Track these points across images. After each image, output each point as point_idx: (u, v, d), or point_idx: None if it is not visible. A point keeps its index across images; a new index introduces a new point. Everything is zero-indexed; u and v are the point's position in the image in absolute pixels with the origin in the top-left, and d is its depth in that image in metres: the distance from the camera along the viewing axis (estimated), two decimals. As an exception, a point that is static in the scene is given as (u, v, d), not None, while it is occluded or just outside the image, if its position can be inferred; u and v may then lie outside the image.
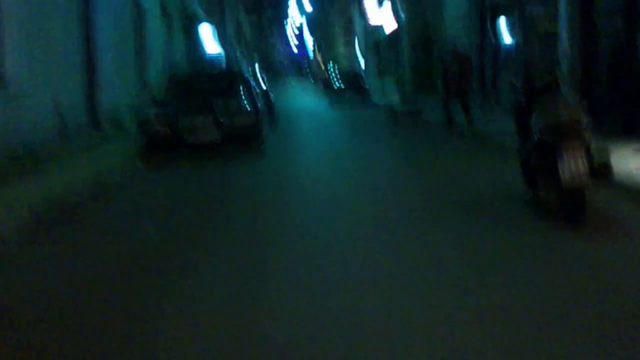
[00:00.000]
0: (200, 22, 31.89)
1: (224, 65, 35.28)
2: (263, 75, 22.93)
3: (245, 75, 15.71)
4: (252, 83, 16.02)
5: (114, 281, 5.50)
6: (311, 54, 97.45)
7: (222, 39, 40.65)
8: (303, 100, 42.16)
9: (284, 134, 17.71)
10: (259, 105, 14.04)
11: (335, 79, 34.68)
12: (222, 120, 12.50)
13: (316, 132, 18.71)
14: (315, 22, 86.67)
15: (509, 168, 9.90)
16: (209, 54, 34.13)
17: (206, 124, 12.46)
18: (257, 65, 29.05)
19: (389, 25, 36.49)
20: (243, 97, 13.74)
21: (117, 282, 5.48)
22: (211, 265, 5.81)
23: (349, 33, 58.27)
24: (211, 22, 34.57)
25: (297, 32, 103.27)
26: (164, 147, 12.45)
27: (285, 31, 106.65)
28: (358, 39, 53.93)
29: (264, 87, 20.47)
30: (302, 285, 5.19)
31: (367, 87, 33.20)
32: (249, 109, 13.11)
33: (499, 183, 8.96)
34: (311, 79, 70.39)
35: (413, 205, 8.05)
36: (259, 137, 13.10)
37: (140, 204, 9.12)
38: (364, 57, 50.76)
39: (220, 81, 15.19)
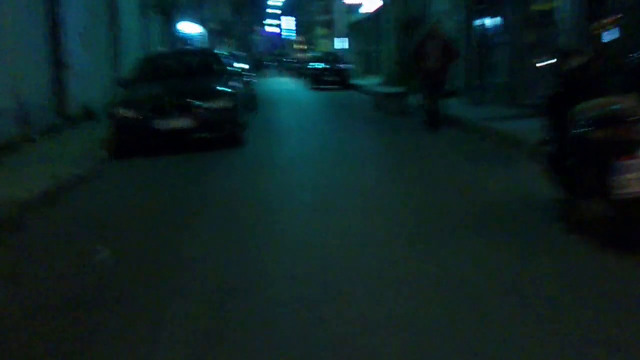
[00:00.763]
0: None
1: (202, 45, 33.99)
2: (242, 55, 21.73)
3: (222, 54, 14.41)
4: (230, 62, 14.89)
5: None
6: (290, 36, 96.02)
7: (201, 18, 39.34)
8: (281, 83, 41.00)
9: (264, 120, 16.61)
10: (238, 87, 12.85)
11: (313, 61, 33.38)
12: (195, 103, 11.33)
13: (296, 119, 17.54)
14: (295, 3, 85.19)
15: (522, 166, 8.95)
16: (185, 34, 32.88)
17: (177, 108, 11.30)
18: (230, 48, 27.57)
19: (371, 3, 35.35)
20: (219, 78, 12.61)
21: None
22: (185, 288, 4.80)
23: (328, 12, 56.88)
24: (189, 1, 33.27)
25: (278, 12, 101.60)
26: (131, 135, 11.25)
27: (265, 17, 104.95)
28: (336, 20, 52.67)
29: (245, 69, 19.34)
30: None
31: (347, 68, 32.04)
32: (226, 90, 11.96)
33: (513, 186, 7.69)
34: (288, 61, 68.99)
35: (410, 218, 6.44)
36: (237, 122, 11.92)
37: (97, 206, 8.03)
38: (343, 37, 49.55)
39: (194, 61, 14.05)
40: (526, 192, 7.28)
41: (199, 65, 13.66)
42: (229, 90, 12.09)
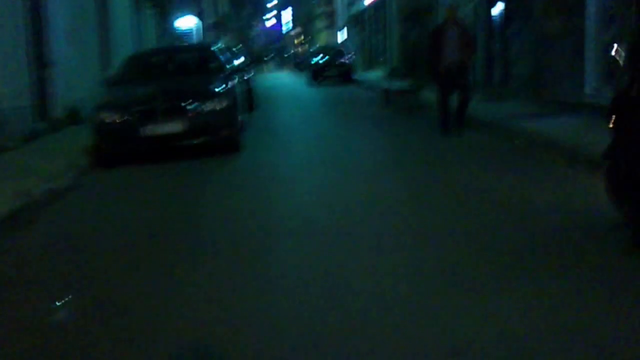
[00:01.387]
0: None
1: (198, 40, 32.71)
2: (240, 51, 20.50)
3: (219, 50, 13.18)
4: (228, 58, 13.69)
5: None
6: (289, 29, 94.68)
7: (198, 12, 38.13)
8: (281, 78, 39.87)
9: (264, 120, 15.44)
10: (235, 85, 11.66)
11: (314, 55, 32.09)
12: (187, 105, 10.14)
13: (298, 119, 16.30)
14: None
15: (564, 175, 7.84)
16: (180, 29, 31.68)
17: (167, 111, 10.11)
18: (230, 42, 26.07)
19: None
20: (215, 76, 11.44)
21: None
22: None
23: (329, 4, 55.64)
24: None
25: (275, 3, 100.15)
26: (114, 142, 10.10)
27: (264, 12, 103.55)
28: (338, 11, 51.43)
29: (242, 65, 18.13)
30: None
31: (350, 62, 30.81)
32: (222, 90, 10.79)
33: (562, 202, 6.50)
34: (287, 57, 67.76)
35: (446, 252, 5.14)
36: (234, 126, 10.73)
37: (65, 234, 6.85)
38: (345, 29, 48.34)
39: (188, 58, 12.83)
40: (579, 209, 6.13)
41: (193, 63, 12.48)
42: (226, 90, 10.91)
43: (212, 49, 12.99)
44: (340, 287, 4.57)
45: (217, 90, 10.73)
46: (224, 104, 10.44)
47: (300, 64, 44.89)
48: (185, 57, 12.91)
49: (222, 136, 10.45)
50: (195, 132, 10.16)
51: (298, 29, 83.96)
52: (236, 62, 17.85)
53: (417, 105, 15.84)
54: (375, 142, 11.60)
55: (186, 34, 33.78)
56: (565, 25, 13.72)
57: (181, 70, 12.10)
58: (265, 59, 75.08)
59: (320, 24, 61.33)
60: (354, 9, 41.94)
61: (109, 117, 10.14)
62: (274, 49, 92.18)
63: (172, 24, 29.62)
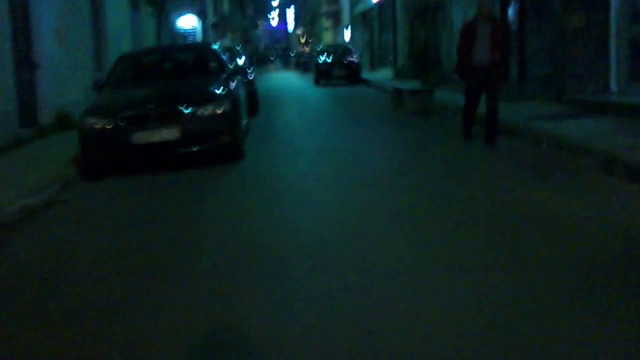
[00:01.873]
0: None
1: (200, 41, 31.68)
2: (243, 51, 19.51)
3: (219, 50, 12.17)
4: (228, 58, 12.72)
5: None
6: (292, 28, 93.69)
7: (200, 11, 37.23)
8: (286, 78, 38.87)
9: (268, 123, 14.48)
10: (236, 88, 10.69)
11: (320, 53, 31.02)
12: (184, 110, 9.17)
13: (305, 122, 15.16)
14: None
15: (605, 186, 6.94)
16: (183, 29, 30.73)
17: (161, 116, 9.12)
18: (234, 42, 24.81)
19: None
20: (215, 78, 10.47)
21: None
22: None
23: (334, 3, 54.62)
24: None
25: (278, 2, 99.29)
26: (103, 150, 9.15)
27: (268, 11, 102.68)
28: (344, 10, 50.44)
29: (244, 66, 17.16)
30: None
31: (357, 61, 29.78)
32: (222, 93, 9.80)
33: (611, 218, 5.64)
34: (293, 56, 66.78)
35: (494, 291, 4.16)
36: (236, 132, 9.75)
37: (32, 268, 5.93)
38: (350, 29, 47.36)
39: (184, 58, 11.80)
40: (629, 225, 5.31)
41: (190, 63, 11.48)
42: (226, 92, 9.93)
43: (212, 48, 11.96)
44: (360, 330, 3.60)
45: (217, 92, 9.76)
46: (225, 107, 9.46)
47: (305, 63, 43.91)
48: (182, 57, 11.85)
49: (223, 143, 9.47)
50: (192, 139, 9.19)
51: (302, 29, 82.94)
52: (239, 62, 16.93)
53: (432, 106, 14.85)
54: (390, 149, 10.57)
55: (189, 33, 32.84)
56: (588, 20, 12.82)
57: (177, 72, 11.13)
58: (270, 58, 74.17)
59: (325, 22, 60.30)
60: (360, 7, 40.90)
61: (97, 123, 9.16)
62: (279, 48, 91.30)
63: (173, 23, 28.65)
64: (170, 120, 9.10)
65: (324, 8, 58.49)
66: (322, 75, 29.27)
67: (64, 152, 10.35)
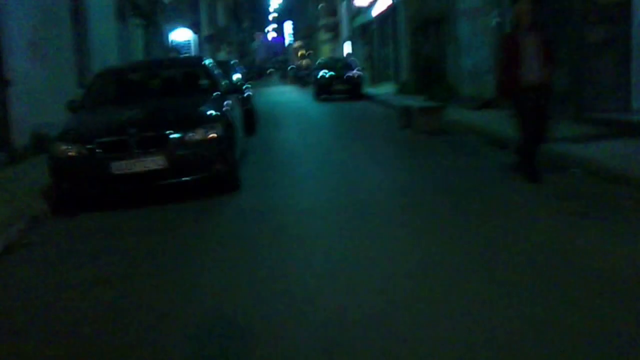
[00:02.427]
0: (162, 5, 27.06)
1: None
2: (237, 65, 18.28)
3: (211, 65, 10.93)
4: (222, 74, 11.51)
5: None
6: (292, 44, 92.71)
7: (194, 23, 36.12)
8: (285, 92, 37.71)
9: (266, 145, 13.27)
10: (230, 108, 9.49)
11: (320, 68, 29.76)
12: (170, 135, 7.95)
13: (307, 144, 13.76)
14: (296, 7, 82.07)
15: None
16: (177, 42, 29.58)
17: (145, 141, 7.91)
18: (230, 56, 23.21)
19: (380, 4, 32.07)
20: (207, 97, 9.28)
21: None
22: None
23: (333, 17, 53.57)
24: (177, 6, 29.91)
25: (276, 16, 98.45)
26: (76, 181, 7.94)
27: (265, 24, 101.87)
28: (342, 22, 49.39)
29: (240, 82, 15.95)
30: None
31: (359, 76, 28.64)
32: (214, 114, 8.58)
33: None
34: (290, 69, 65.80)
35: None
36: (230, 159, 8.53)
37: None
38: (349, 41, 46.28)
39: (172, 74, 10.54)
40: None
41: (179, 81, 10.22)
42: (219, 114, 8.71)
43: (203, 63, 10.70)
44: None
45: (208, 114, 8.55)
46: (217, 131, 8.25)
47: (304, 77, 42.81)
48: (170, 73, 10.54)
49: (216, 172, 8.25)
50: (181, 169, 7.99)
51: (300, 42, 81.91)
52: (234, 78, 15.76)
53: (443, 125, 13.65)
54: (404, 177, 9.27)
55: (182, 46, 31.66)
56: (609, 33, 11.79)
57: (164, 90, 9.88)
58: (268, 72, 73.15)
59: (324, 35, 59.23)
60: (360, 20, 39.85)
61: (71, 150, 7.94)
62: (277, 61, 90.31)
63: (165, 36, 27.45)
64: (155, 147, 7.89)
65: (322, 21, 57.49)
66: (322, 91, 28.06)
67: (38, 181, 9.12)
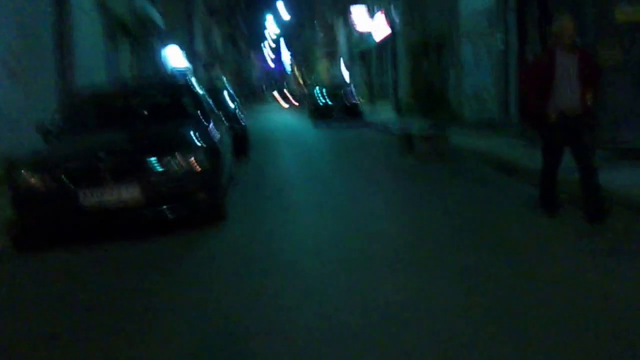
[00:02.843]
0: (157, 29, 26.30)
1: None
2: (231, 91, 17.47)
3: (194, 84, 10.04)
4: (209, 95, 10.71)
5: None
6: (289, 69, 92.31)
7: (190, 51, 35.52)
8: (281, 116, 36.98)
9: (259, 173, 12.42)
10: (216, 132, 8.64)
11: (318, 95, 29.03)
12: (147, 164, 7.12)
13: (304, 173, 12.79)
14: (293, 33, 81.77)
15: None
16: (172, 68, 28.83)
17: (118, 170, 7.06)
18: (224, 79, 22.28)
19: (380, 32, 31.50)
20: (190, 120, 8.44)
21: None
22: None
23: (331, 44, 53.13)
24: (173, 32, 29.24)
25: (273, 45, 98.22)
26: (42, 215, 7.08)
27: (262, 46, 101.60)
28: (341, 50, 48.86)
29: (232, 108, 15.17)
30: None
31: (358, 102, 27.87)
32: (197, 139, 7.73)
33: None
34: (290, 91, 65.31)
35: None
36: (215, 188, 7.69)
37: None
38: (348, 69, 45.72)
39: (152, 95, 9.67)
40: None
41: (160, 103, 9.35)
42: (203, 138, 7.87)
43: (187, 83, 9.83)
44: None
45: (190, 139, 7.69)
46: (200, 157, 7.40)
47: (301, 101, 42.29)
48: (150, 94, 9.68)
49: (198, 202, 7.39)
50: (159, 200, 7.14)
51: (299, 70, 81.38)
52: (230, 105, 15.06)
53: (447, 153, 12.82)
54: (408, 211, 8.34)
55: (182, 72, 30.96)
56: (625, 55, 11.06)
57: (142, 113, 9.01)
58: (264, 93, 72.78)
59: (320, 56, 58.71)
60: (358, 47, 39.43)
61: (35, 179, 7.07)
62: (273, 83, 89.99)
63: (158, 58, 26.69)
64: (130, 176, 7.04)
65: (322, 49, 57.04)
66: (320, 115, 27.31)
67: (2, 213, 8.24)
